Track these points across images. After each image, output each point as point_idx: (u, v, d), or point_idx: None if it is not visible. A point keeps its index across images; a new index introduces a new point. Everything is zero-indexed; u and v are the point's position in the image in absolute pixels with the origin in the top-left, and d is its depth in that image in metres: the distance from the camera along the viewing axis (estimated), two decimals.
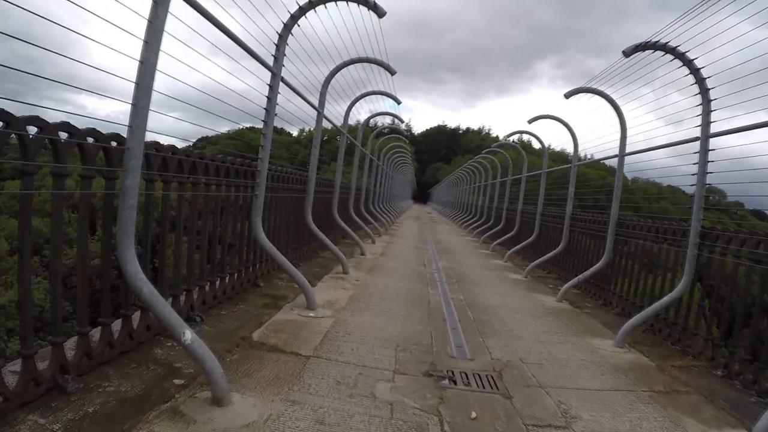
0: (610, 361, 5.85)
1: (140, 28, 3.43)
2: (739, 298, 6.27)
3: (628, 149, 8.90)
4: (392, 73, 8.82)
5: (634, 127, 8.65)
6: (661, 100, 7.68)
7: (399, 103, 12.11)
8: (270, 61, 6.30)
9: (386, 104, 15.21)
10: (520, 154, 17.41)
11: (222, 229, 6.44)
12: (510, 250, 14.77)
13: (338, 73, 9.05)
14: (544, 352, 5.87)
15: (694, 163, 6.72)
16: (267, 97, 6.35)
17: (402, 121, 17.31)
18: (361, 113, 16.26)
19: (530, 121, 11.69)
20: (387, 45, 7.90)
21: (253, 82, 6.04)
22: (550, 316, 7.78)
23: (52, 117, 3.30)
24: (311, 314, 6.16)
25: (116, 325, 4.27)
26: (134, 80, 3.46)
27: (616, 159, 9.61)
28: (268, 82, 6.35)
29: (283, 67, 6.51)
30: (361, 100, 11.97)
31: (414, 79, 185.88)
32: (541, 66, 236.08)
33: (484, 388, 4.53)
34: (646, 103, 8.36)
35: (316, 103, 8.77)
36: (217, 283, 6.23)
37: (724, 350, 6.20)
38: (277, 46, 6.40)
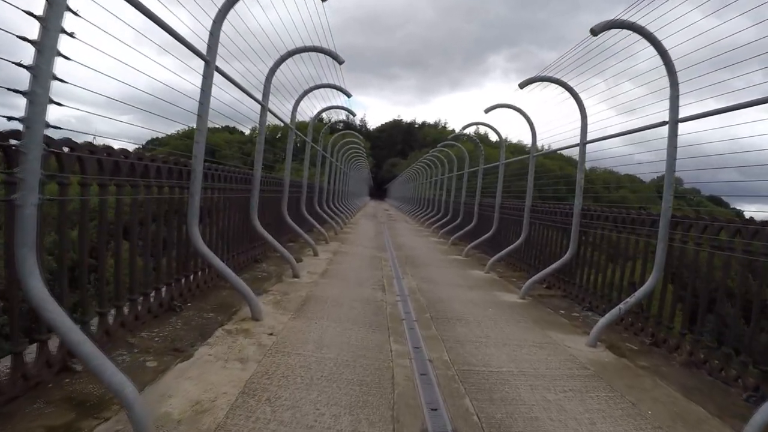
0: None
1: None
2: None
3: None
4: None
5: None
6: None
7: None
8: None
9: (339, 100, 13.28)
10: (499, 140, 14.16)
11: None
12: (492, 257, 11.54)
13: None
14: None
15: None
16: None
17: (353, 114, 14.50)
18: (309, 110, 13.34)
19: (524, 85, 8.48)
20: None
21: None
22: (602, 386, 4.58)
23: None
24: None
25: None
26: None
27: (654, 129, 6.72)
28: None
29: None
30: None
31: (367, 76, 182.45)
32: (494, 59, 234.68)
33: None
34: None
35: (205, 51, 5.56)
36: None
37: None
38: None
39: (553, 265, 8.67)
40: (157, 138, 39.22)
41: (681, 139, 6.11)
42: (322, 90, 11.99)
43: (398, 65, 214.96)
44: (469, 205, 17.30)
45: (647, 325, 6.63)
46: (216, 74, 5.71)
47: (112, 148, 4.33)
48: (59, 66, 3.04)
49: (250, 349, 4.68)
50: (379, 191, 76.21)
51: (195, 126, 5.55)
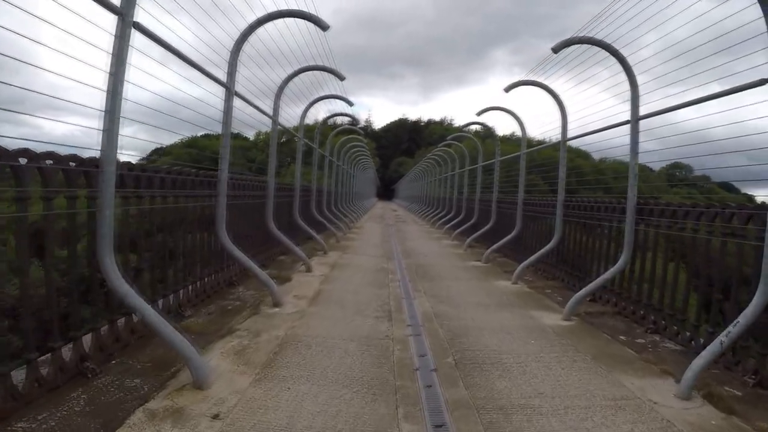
0: None
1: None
2: None
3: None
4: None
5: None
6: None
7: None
8: None
9: (339, 104, 12.27)
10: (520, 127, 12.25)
11: None
12: (518, 263, 9.67)
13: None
14: None
15: None
16: None
17: (351, 104, 12.72)
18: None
19: (558, 49, 6.69)
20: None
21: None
22: None
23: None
24: None
25: None
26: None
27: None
28: None
29: None
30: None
31: (370, 76, 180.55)
32: (496, 54, 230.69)
33: None
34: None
35: None
36: None
37: None
38: None
39: (604, 275, 6.85)
40: (161, 147, 38.14)
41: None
42: (315, 79, 10.65)
43: (401, 64, 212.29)
44: (485, 203, 15.48)
45: (746, 358, 4.84)
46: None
47: None
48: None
49: None
50: (386, 191, 74.51)
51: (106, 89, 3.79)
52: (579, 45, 7.02)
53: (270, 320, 5.86)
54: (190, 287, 6.23)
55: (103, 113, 3.75)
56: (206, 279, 6.72)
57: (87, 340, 4.21)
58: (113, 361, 4.33)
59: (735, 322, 4.40)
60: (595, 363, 4.91)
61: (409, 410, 3.64)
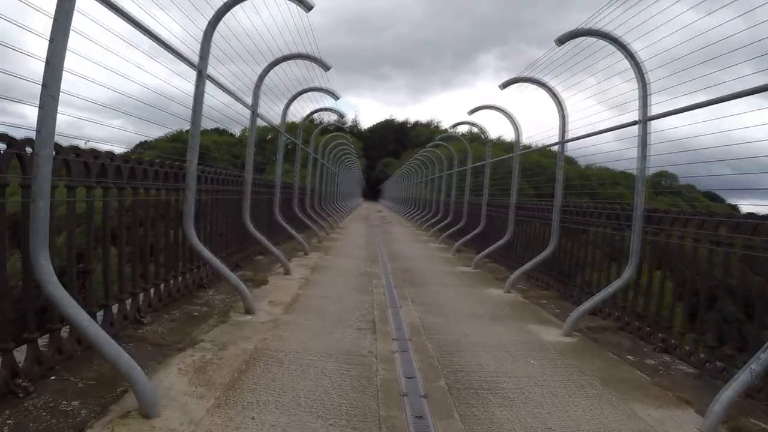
0: None
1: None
2: None
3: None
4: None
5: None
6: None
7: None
8: None
9: (326, 100, 11.72)
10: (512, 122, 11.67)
11: None
12: (512, 271, 9.12)
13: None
14: None
15: None
16: None
17: (337, 97, 12.07)
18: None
19: (563, 41, 6.14)
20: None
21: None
22: None
23: None
24: None
25: None
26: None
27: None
28: None
29: None
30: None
31: (358, 76, 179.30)
32: (485, 58, 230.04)
33: None
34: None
35: None
36: None
37: None
38: None
39: (608, 289, 6.29)
40: (147, 141, 37.39)
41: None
42: (302, 76, 10.15)
43: (389, 65, 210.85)
44: (474, 206, 14.94)
45: None
46: None
47: None
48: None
49: None
50: (372, 192, 73.91)
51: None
52: (583, 39, 6.53)
53: (239, 330, 5.21)
54: (151, 290, 5.57)
55: (43, 87, 3.11)
56: (171, 281, 6.06)
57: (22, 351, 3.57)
58: (52, 377, 3.68)
59: (765, 347, 3.86)
60: (604, 389, 4.34)
61: None
